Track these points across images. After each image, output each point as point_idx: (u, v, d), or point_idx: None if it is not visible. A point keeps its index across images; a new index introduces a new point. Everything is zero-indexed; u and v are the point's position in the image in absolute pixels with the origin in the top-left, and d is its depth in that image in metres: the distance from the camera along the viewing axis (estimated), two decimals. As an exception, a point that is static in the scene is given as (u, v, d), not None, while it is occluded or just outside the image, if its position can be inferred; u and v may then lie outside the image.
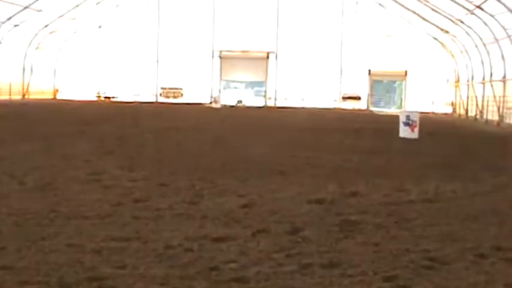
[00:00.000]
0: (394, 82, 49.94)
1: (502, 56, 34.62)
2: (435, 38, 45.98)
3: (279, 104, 49.57)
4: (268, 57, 50.56)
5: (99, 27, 51.57)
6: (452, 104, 46.73)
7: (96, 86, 51.83)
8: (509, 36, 32.64)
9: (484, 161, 14.82)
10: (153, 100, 50.65)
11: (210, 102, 46.89)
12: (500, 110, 34.36)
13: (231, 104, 47.95)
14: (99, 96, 51.55)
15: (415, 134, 20.52)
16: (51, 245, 5.84)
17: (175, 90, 51.07)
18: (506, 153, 16.99)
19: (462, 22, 37.95)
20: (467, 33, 38.79)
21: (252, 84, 51.86)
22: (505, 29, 32.74)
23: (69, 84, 51.90)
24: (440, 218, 7.78)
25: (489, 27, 34.47)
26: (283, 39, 50.26)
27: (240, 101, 49.84)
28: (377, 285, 5.05)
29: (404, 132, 20.80)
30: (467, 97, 42.47)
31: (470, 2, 34.05)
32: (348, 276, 5.21)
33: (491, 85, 36.53)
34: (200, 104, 47.15)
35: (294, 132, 22.45)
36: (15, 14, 41.04)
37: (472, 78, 41.34)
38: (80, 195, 8.49)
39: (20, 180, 9.62)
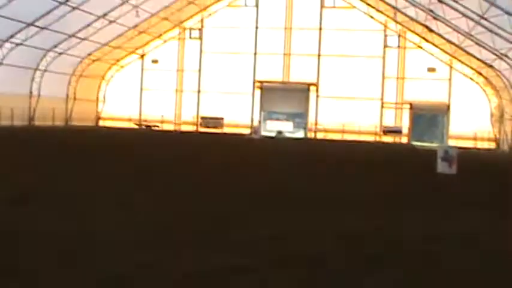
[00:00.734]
0: (438, 116, 49.29)
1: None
2: (479, 73, 45.33)
3: (319, 136, 49.46)
4: (309, 89, 50.68)
5: (141, 56, 52.94)
6: (495, 139, 45.76)
7: (136, 114, 53.05)
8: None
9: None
10: (193, 129, 51.30)
11: (250, 133, 46.97)
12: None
13: (271, 135, 48.07)
14: (139, 125, 52.54)
15: (453, 170, 20.14)
16: None
17: (215, 121, 51.53)
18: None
19: (507, 56, 37.36)
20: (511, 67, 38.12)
21: (292, 116, 51.93)
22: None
23: (110, 111, 53.40)
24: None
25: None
26: (325, 71, 50.33)
27: (280, 132, 49.89)
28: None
29: (442, 167, 20.45)
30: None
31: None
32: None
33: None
34: (240, 134, 47.38)
35: (332, 164, 22.30)
36: (60, 42, 42.93)
37: (517, 113, 40.50)
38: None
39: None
